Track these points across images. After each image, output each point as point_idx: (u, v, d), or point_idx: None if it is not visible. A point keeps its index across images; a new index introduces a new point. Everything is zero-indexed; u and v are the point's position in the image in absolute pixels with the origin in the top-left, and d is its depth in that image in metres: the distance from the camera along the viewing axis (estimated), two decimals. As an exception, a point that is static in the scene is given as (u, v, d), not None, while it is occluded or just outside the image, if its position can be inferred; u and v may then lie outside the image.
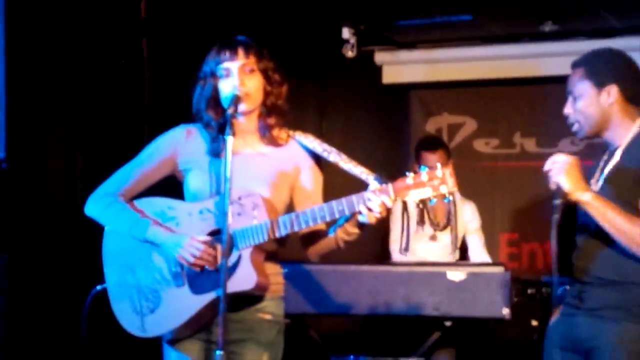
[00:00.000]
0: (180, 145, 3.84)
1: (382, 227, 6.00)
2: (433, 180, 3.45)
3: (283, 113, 3.84)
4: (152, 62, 6.41)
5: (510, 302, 5.18)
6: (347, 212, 3.56)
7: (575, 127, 3.80)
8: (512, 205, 7.80)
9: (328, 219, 3.60)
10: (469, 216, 6.40)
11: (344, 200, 3.55)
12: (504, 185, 7.86)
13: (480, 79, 7.89)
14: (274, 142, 3.83)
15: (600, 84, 3.72)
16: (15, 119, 5.57)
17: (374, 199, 3.50)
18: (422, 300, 5.28)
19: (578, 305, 3.73)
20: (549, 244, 3.74)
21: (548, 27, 7.05)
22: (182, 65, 4.08)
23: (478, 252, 6.37)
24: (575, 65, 3.82)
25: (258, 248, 3.61)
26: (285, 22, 6.95)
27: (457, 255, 6.33)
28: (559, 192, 3.61)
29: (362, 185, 3.61)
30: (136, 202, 3.83)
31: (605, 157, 3.80)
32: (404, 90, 8.23)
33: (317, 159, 3.93)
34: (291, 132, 3.89)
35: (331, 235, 3.78)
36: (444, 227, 6.29)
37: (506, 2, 6.64)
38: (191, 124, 3.88)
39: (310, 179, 3.88)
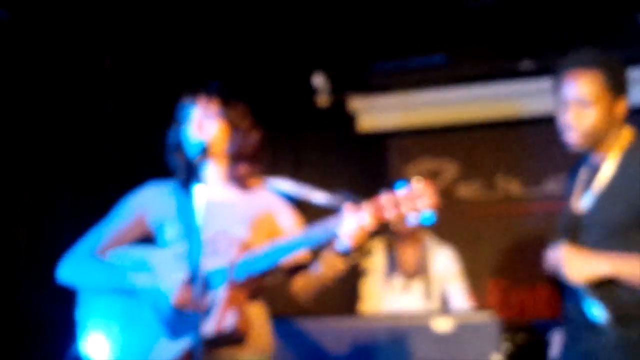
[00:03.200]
0: (149, 203, 3.76)
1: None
2: (412, 195, 3.19)
3: (253, 160, 3.73)
4: (117, 119, 6.26)
5: (500, 350, 4.92)
6: (324, 239, 3.35)
7: (572, 137, 3.41)
8: (499, 251, 7.55)
9: (303, 247, 3.42)
10: (444, 262, 5.93)
11: (317, 226, 3.37)
12: (489, 230, 7.64)
13: (458, 122, 7.74)
14: (245, 187, 3.71)
15: (618, 92, 3.35)
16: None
17: (349, 218, 3.28)
18: (409, 350, 4.98)
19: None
20: (539, 289, 3.52)
21: (526, 65, 6.98)
22: (150, 122, 4.07)
23: (460, 301, 5.86)
24: (583, 64, 3.44)
25: (236, 287, 3.42)
26: (256, 73, 6.87)
27: (434, 305, 5.83)
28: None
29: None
30: (111, 255, 3.72)
31: (584, 168, 3.47)
32: (380, 137, 8.12)
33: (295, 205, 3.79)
34: (263, 178, 3.77)
35: (316, 272, 3.56)
36: (415, 274, 5.87)
37: (481, 40, 6.57)
38: (157, 180, 3.81)
39: (290, 221, 3.72)
